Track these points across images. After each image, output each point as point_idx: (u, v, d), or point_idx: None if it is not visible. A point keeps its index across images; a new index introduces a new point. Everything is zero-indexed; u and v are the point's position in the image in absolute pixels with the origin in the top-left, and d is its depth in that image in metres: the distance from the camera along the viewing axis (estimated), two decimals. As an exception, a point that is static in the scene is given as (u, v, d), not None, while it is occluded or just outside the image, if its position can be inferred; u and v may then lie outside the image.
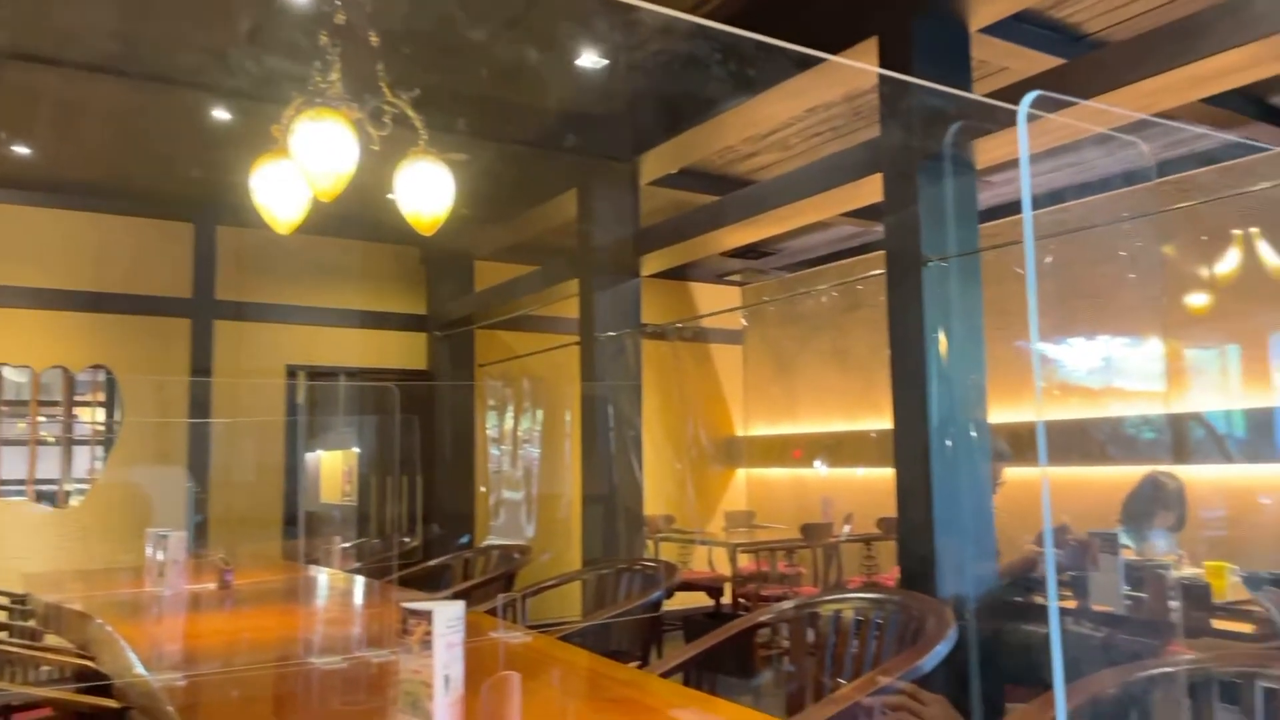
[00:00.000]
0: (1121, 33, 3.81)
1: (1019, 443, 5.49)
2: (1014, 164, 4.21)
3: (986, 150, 3.28)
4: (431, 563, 4.83)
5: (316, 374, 6.21)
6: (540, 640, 2.41)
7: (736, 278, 7.94)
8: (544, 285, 5.69)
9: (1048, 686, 1.68)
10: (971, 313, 3.36)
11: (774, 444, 7.68)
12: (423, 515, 6.42)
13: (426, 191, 2.75)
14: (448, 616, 1.39)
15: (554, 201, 5.44)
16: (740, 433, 7.97)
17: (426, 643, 1.36)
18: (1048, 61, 3.76)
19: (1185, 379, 5.52)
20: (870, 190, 3.67)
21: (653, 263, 5.16)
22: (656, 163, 5.02)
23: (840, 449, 6.95)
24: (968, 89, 3.46)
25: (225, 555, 3.69)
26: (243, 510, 5.81)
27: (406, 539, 6.21)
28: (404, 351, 6.59)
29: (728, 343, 7.93)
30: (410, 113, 2.76)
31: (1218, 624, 2.90)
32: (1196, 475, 5.32)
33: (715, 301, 7.86)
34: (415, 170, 2.76)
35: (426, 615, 1.38)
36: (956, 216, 3.28)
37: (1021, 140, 0.70)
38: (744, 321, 8.07)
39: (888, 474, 3.42)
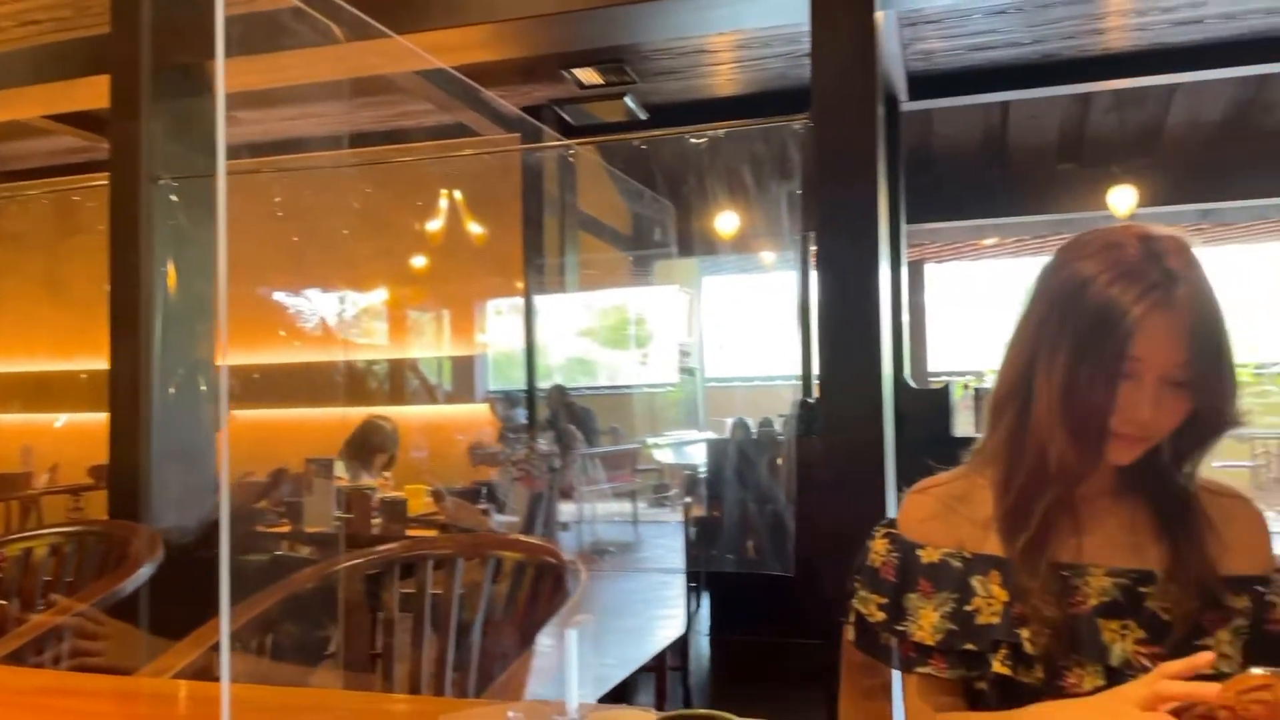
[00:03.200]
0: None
1: (254, 384, 5.52)
2: (264, 101, 4.21)
3: (236, 76, 3.21)
4: None
5: None
6: None
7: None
8: None
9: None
10: (205, 248, 3.27)
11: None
12: None
13: None
14: None
15: None
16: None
17: None
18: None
19: (405, 330, 6.20)
20: (95, 94, 3.31)
21: None
22: None
23: (50, 391, 6.13)
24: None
25: None
26: None
27: None
28: None
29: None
30: None
31: (411, 532, 3.38)
32: (409, 414, 6.02)
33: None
34: None
35: None
36: (193, 137, 3.15)
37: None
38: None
39: (105, 418, 3.16)
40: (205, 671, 1.48)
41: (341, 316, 5.74)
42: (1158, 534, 1.07)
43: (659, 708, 2.83)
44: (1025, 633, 1.03)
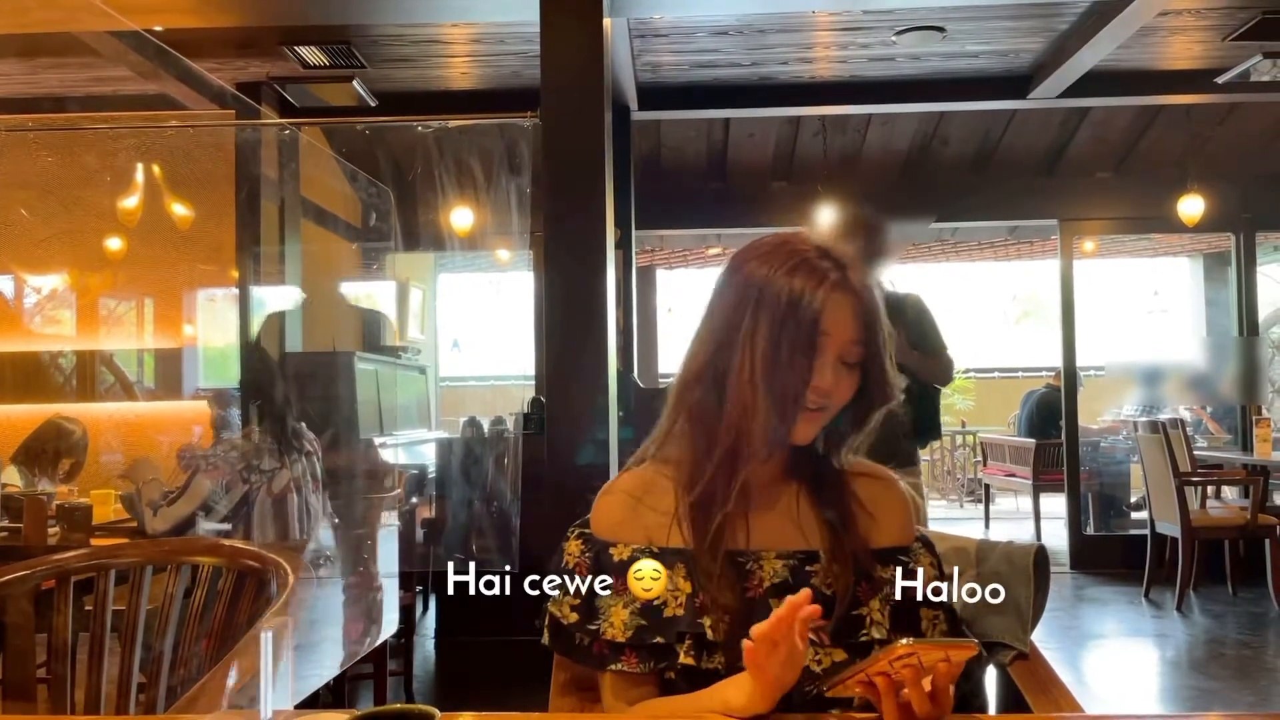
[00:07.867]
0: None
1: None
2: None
3: None
4: None
5: None
6: None
7: None
8: None
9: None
10: None
11: None
12: None
13: None
14: None
15: None
16: None
17: None
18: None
19: (97, 319, 5.57)
20: None
21: None
22: None
23: None
24: None
25: None
26: None
27: None
28: None
29: None
30: None
31: (96, 541, 3.04)
32: (101, 412, 5.41)
33: None
34: None
35: None
36: None
37: None
38: None
39: None
40: None
41: (17, 301, 5.07)
42: (818, 517, 1.16)
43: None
44: (708, 621, 1.08)
